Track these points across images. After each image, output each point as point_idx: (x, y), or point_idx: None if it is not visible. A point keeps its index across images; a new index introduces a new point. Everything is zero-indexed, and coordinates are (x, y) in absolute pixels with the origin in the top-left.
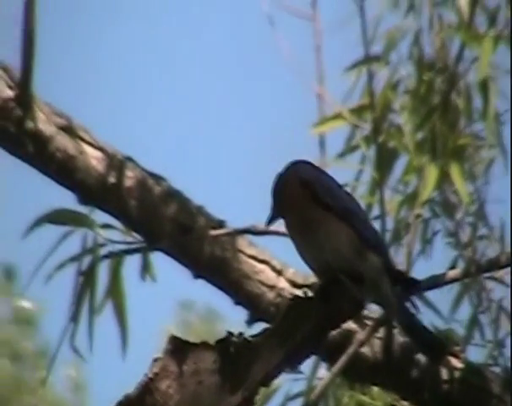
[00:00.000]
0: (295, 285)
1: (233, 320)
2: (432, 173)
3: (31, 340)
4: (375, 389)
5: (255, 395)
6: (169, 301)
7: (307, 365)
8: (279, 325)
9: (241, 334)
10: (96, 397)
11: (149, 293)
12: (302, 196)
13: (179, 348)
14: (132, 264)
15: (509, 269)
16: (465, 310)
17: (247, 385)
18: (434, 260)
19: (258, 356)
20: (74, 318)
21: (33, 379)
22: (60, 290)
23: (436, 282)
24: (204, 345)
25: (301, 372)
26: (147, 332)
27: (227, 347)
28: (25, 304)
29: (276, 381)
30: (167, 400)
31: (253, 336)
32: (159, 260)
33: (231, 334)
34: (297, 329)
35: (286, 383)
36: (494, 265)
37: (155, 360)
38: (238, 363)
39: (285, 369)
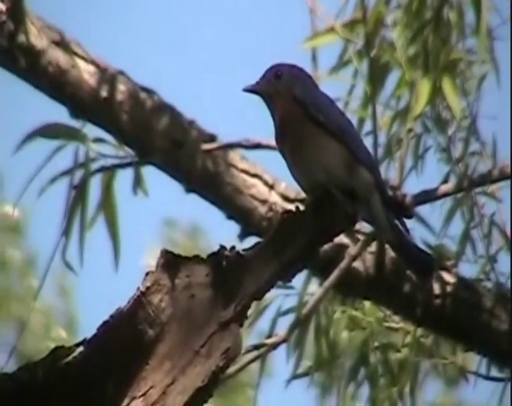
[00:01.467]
0: (287, 199)
1: (218, 236)
2: (424, 88)
3: (19, 249)
4: (367, 305)
5: (247, 309)
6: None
7: (298, 281)
8: (271, 239)
9: (233, 248)
10: (85, 306)
11: (133, 210)
12: (295, 114)
13: (171, 262)
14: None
15: (500, 184)
16: (457, 226)
17: (239, 298)
18: (426, 176)
19: (250, 270)
20: (66, 232)
21: (21, 288)
22: (47, 201)
23: (427, 196)
24: (196, 259)
25: (292, 287)
26: (131, 250)
27: (220, 261)
28: (11, 211)
29: (268, 297)
30: (159, 314)
31: (245, 250)
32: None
33: (223, 248)
34: (290, 243)
35: (278, 299)
36: (486, 179)
37: (147, 274)
38: (231, 277)
39: (277, 282)
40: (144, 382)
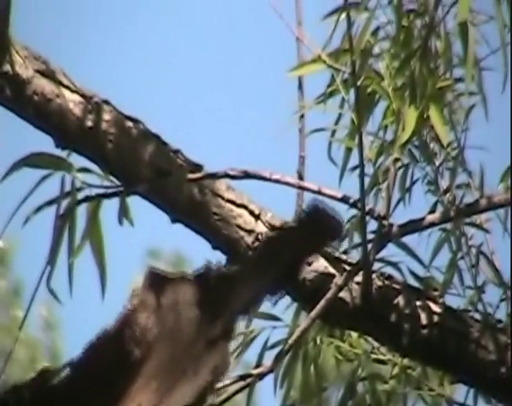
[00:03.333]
0: (273, 228)
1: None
2: (411, 116)
3: (4, 279)
4: (354, 337)
5: (235, 326)
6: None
7: (286, 313)
8: (258, 255)
9: (220, 266)
10: (70, 336)
11: (116, 241)
12: None
13: (157, 282)
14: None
15: (488, 215)
16: (444, 257)
17: (226, 316)
18: (414, 207)
19: (237, 287)
20: (51, 260)
21: (6, 318)
22: (32, 231)
23: (414, 226)
24: (182, 278)
25: (280, 319)
26: (115, 281)
27: (206, 279)
28: None
29: (255, 329)
30: (146, 333)
31: (232, 267)
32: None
33: (209, 266)
34: (276, 259)
35: (265, 331)
36: (473, 209)
37: (133, 294)
38: (217, 294)
39: (264, 299)
40: (132, 402)
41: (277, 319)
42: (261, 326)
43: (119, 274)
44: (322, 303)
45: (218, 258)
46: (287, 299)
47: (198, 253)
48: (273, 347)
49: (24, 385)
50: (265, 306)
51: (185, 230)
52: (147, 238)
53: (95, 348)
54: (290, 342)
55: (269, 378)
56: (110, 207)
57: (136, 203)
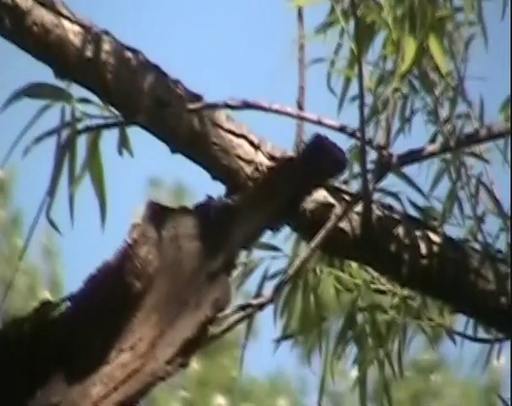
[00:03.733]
0: (273, 159)
1: (203, 196)
2: (410, 46)
3: (4, 209)
4: (354, 267)
5: (236, 259)
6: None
7: (286, 244)
8: (259, 187)
9: (221, 198)
10: (70, 266)
11: (118, 172)
12: None
13: (158, 214)
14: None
15: (488, 145)
16: (444, 187)
17: (227, 249)
18: (414, 137)
19: (238, 220)
20: (51, 191)
21: (6, 247)
22: (32, 162)
23: (414, 156)
24: (183, 210)
25: (280, 250)
26: (117, 211)
27: (207, 211)
28: None
29: (255, 259)
30: (146, 266)
31: (232, 199)
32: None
33: (210, 198)
34: (278, 191)
35: (265, 262)
36: (473, 139)
37: (134, 226)
38: (218, 227)
39: (265, 231)
40: (132, 335)
41: (277, 249)
42: (261, 257)
43: (120, 204)
44: (322, 233)
45: (219, 188)
46: (287, 230)
47: (200, 183)
48: (273, 277)
49: (25, 318)
50: (265, 237)
51: (186, 160)
52: (148, 168)
53: (96, 280)
54: (290, 272)
55: (269, 308)
56: (111, 138)
57: (137, 133)
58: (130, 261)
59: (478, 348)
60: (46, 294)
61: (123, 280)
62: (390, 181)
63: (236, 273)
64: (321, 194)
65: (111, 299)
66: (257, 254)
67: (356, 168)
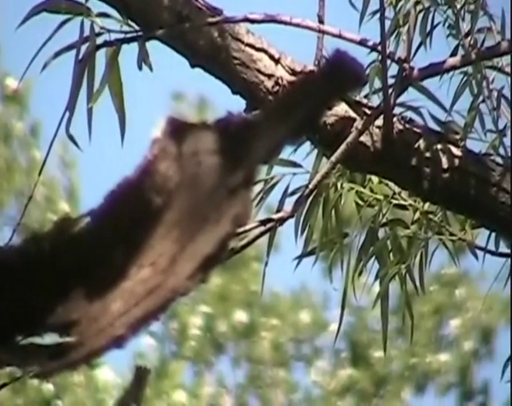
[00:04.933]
0: (293, 73)
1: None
2: None
3: (22, 120)
4: (375, 182)
5: (256, 174)
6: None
7: (307, 160)
8: (280, 102)
9: (241, 113)
10: (89, 180)
11: (141, 86)
12: None
13: (178, 129)
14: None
15: (509, 58)
16: (465, 102)
17: (247, 163)
18: (435, 52)
19: (258, 134)
20: (70, 106)
21: (24, 160)
22: (51, 76)
23: (435, 69)
24: (203, 125)
25: (300, 166)
26: (139, 125)
27: (227, 126)
28: (13, 83)
29: (275, 175)
30: (167, 181)
31: (253, 114)
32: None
33: (230, 113)
34: (298, 105)
35: (286, 178)
36: (494, 52)
37: (154, 142)
38: (238, 142)
39: (286, 145)
40: (152, 251)
41: (298, 166)
42: (282, 173)
43: (142, 119)
44: (342, 147)
45: (241, 101)
46: (308, 146)
47: (222, 96)
48: (293, 193)
49: (44, 234)
50: (286, 153)
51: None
52: (171, 82)
53: (116, 196)
54: (310, 186)
55: (291, 225)
56: (134, 52)
57: (161, 47)
58: (150, 177)
59: (501, 261)
60: (65, 206)
61: (143, 195)
62: (411, 96)
63: (257, 189)
64: (342, 108)
65: (131, 214)
66: (278, 170)
67: (377, 84)
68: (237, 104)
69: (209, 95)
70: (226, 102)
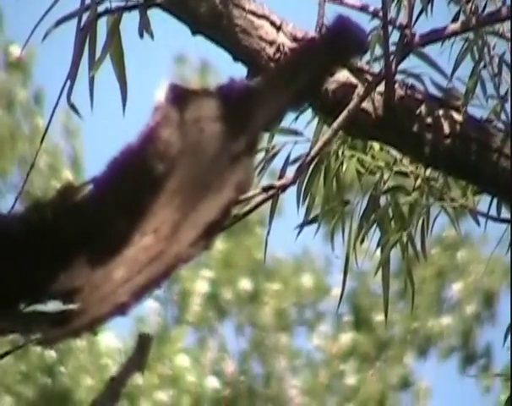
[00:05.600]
0: (295, 39)
1: (229, 75)
2: None
3: (25, 88)
4: (377, 149)
5: (258, 141)
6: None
7: (308, 128)
8: (282, 68)
9: (243, 80)
10: (92, 148)
11: (143, 51)
12: None
13: (180, 96)
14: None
15: (509, 24)
16: (466, 69)
17: (249, 130)
18: (436, 19)
19: (260, 101)
20: (72, 74)
21: (28, 127)
22: (53, 44)
23: (436, 35)
24: (205, 92)
25: (302, 134)
26: (142, 90)
27: (229, 93)
28: (17, 50)
29: (277, 143)
30: (169, 149)
31: (254, 81)
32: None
33: (232, 80)
34: (301, 71)
35: (288, 147)
36: (495, 18)
37: (156, 109)
38: (240, 108)
39: (287, 112)
40: (155, 218)
41: (299, 134)
42: (283, 142)
43: (147, 82)
44: (344, 114)
45: (242, 67)
46: (309, 114)
47: (224, 60)
48: (295, 161)
49: (47, 202)
50: (287, 121)
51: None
52: (173, 46)
53: (118, 163)
54: (312, 153)
55: (294, 191)
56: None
57: (162, 12)
58: (152, 144)
59: (503, 225)
60: (68, 174)
61: (146, 163)
62: (413, 63)
63: (259, 157)
64: (343, 75)
65: (133, 182)
66: (279, 139)
67: (378, 51)
68: (240, 67)
69: (211, 59)
70: (228, 66)
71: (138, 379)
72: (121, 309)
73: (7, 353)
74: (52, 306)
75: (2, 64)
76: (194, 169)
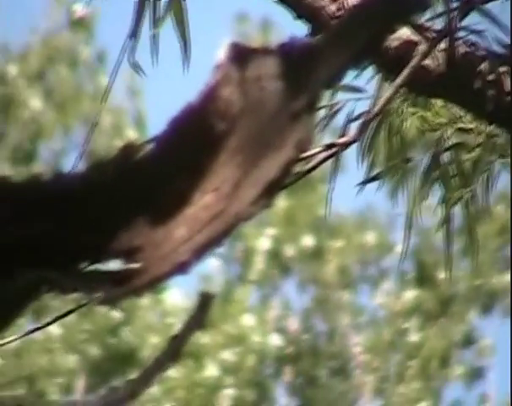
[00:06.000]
0: None
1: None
2: None
3: (89, 46)
4: (438, 105)
5: (318, 99)
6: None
7: (370, 85)
8: (343, 26)
9: (303, 37)
10: (155, 106)
11: (204, 8)
12: None
13: (241, 54)
14: None
15: None
16: None
17: (310, 88)
18: None
19: (321, 59)
20: (134, 32)
21: (92, 86)
22: (115, 3)
23: None
24: (266, 50)
25: (364, 91)
26: (203, 48)
27: (289, 51)
28: (80, 9)
29: (339, 102)
30: (230, 107)
31: (315, 38)
32: None
33: (293, 37)
34: (362, 29)
35: (349, 104)
36: None
37: (217, 67)
38: (301, 67)
39: (348, 70)
40: (216, 177)
41: (361, 91)
42: (345, 99)
43: (208, 40)
44: (406, 71)
45: (303, 25)
46: (371, 71)
47: (286, 18)
48: (357, 119)
49: (108, 161)
50: (349, 79)
51: None
52: (235, 4)
53: (179, 122)
54: (374, 110)
55: (356, 149)
56: None
57: None
58: (213, 103)
59: None
60: (131, 133)
61: (207, 121)
62: (474, 20)
63: (320, 115)
64: (405, 32)
65: (194, 140)
66: (341, 96)
67: (439, 8)
68: (301, 25)
69: (272, 16)
70: (289, 24)
71: (203, 338)
72: (181, 268)
73: (70, 312)
74: (113, 265)
75: (66, 23)
76: (255, 127)
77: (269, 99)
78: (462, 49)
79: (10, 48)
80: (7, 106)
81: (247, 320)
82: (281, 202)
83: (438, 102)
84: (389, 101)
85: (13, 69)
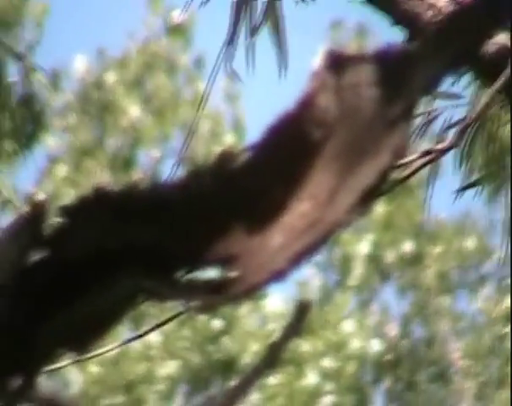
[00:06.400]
0: (454, 3)
1: (386, 39)
2: None
3: (186, 53)
4: None
5: (415, 105)
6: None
7: (467, 91)
8: (440, 32)
9: (400, 44)
10: (252, 111)
11: (299, 16)
12: None
13: (337, 61)
14: None
15: None
16: None
17: (406, 95)
18: None
19: (418, 65)
20: (231, 39)
21: (189, 92)
22: (214, 8)
23: None
24: (362, 57)
25: (462, 97)
26: (300, 57)
27: (386, 57)
28: (177, 16)
29: (436, 109)
30: (326, 114)
31: (412, 44)
32: None
33: (389, 44)
34: (460, 34)
35: (447, 110)
36: None
37: (313, 74)
38: (398, 73)
39: (446, 76)
40: (312, 184)
41: (458, 97)
42: (442, 106)
43: (303, 47)
44: (503, 76)
45: (398, 31)
46: (468, 77)
47: (381, 24)
48: (454, 125)
49: (205, 169)
50: (446, 85)
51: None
52: (330, 11)
53: (276, 129)
54: (472, 117)
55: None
56: None
57: None
58: (310, 110)
59: None
60: (229, 139)
61: (303, 129)
62: None
63: (417, 122)
64: (503, 37)
65: (290, 147)
66: (438, 103)
67: None
68: (396, 31)
69: (367, 23)
70: (384, 30)
71: (303, 345)
72: (278, 276)
73: (168, 320)
74: (210, 274)
75: (164, 29)
76: (351, 134)
77: (365, 106)
78: None
79: (108, 55)
80: (105, 113)
81: (347, 326)
82: (380, 208)
83: None
84: (487, 107)
85: (111, 76)
